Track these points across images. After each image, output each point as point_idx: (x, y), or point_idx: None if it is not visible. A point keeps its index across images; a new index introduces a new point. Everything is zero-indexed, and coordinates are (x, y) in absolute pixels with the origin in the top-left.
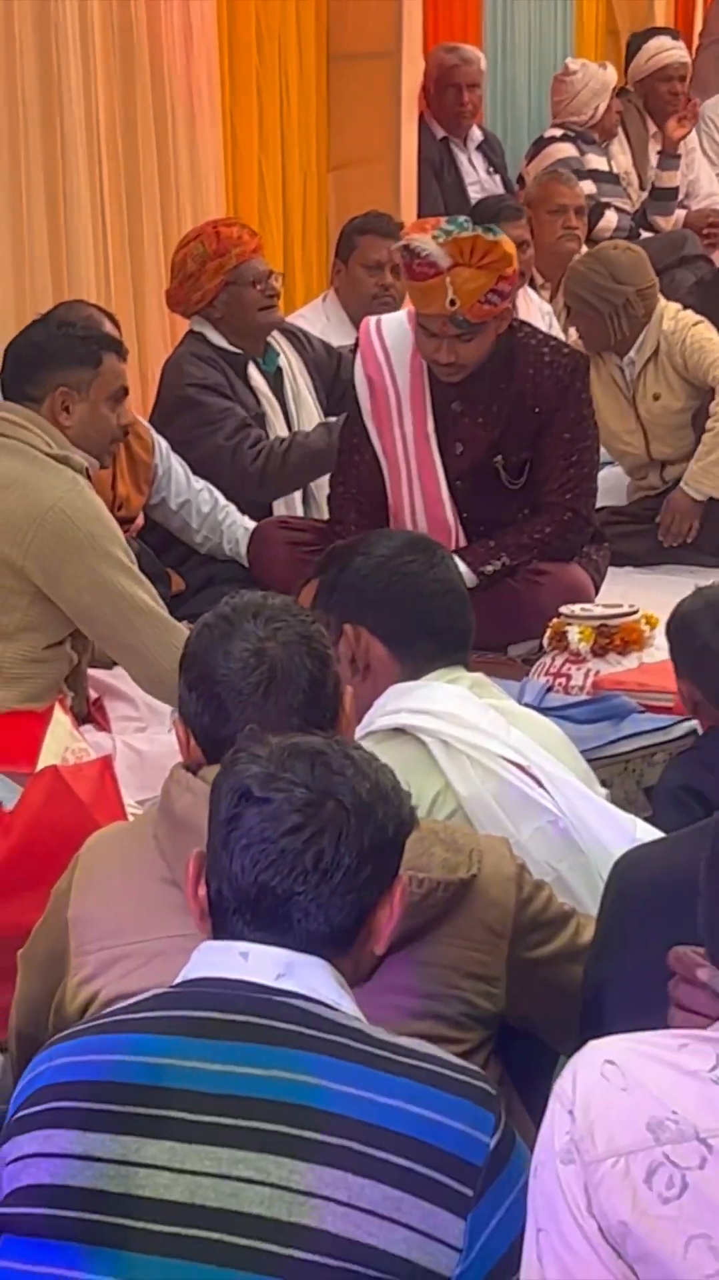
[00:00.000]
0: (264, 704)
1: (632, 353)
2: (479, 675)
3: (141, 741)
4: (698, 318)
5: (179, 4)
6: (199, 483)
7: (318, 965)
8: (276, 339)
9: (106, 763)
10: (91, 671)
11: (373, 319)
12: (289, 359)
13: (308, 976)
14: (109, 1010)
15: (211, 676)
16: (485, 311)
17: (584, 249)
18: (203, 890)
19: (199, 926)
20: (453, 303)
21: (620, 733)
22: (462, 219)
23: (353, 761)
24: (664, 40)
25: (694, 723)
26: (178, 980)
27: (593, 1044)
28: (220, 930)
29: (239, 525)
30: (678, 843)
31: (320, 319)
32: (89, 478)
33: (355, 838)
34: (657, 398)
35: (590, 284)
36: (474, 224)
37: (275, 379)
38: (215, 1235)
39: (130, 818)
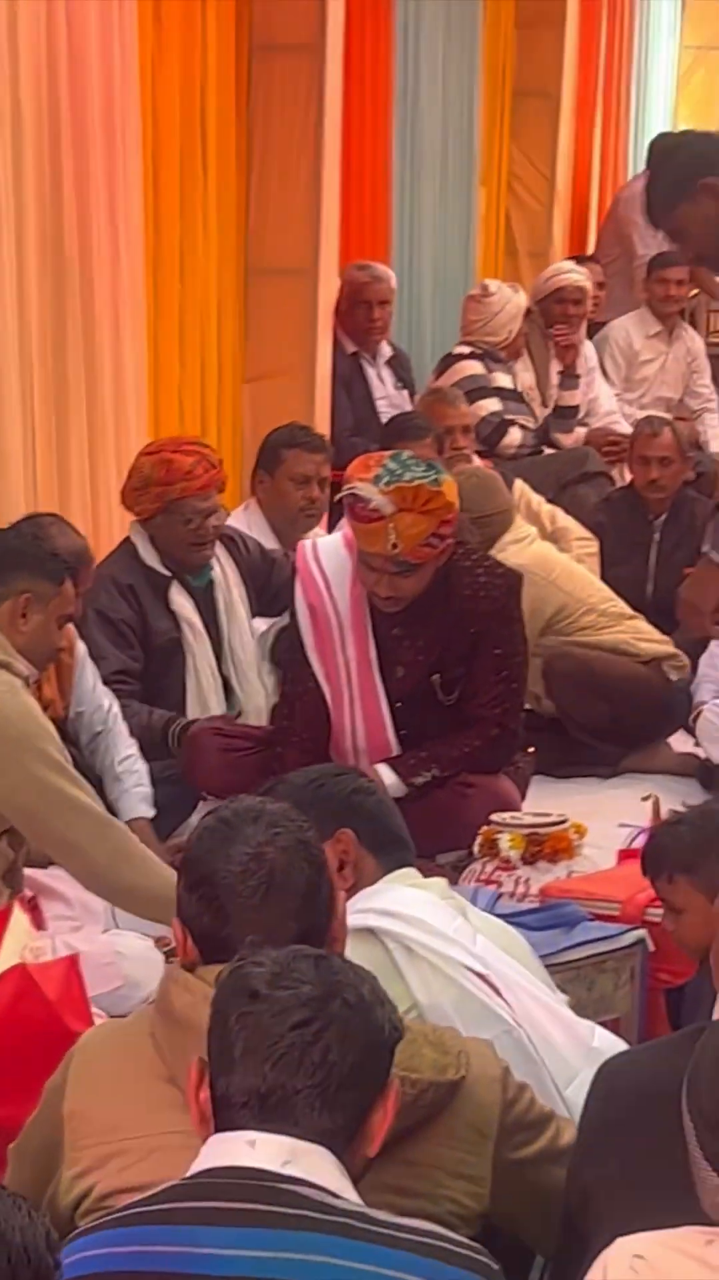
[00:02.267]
0: (262, 907)
1: None
2: (443, 881)
3: (79, 940)
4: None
5: (108, 222)
6: (105, 698)
7: (322, 1153)
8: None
9: (72, 962)
10: (26, 870)
11: (308, 544)
12: (224, 568)
13: (312, 1164)
14: (123, 1206)
15: (212, 879)
16: (426, 553)
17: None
18: (205, 1094)
19: (199, 1131)
20: (395, 545)
21: (572, 940)
22: (405, 455)
23: (350, 966)
24: (564, 264)
25: (643, 932)
26: (190, 1173)
27: (622, 1239)
28: (227, 1126)
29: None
30: (661, 1050)
31: (242, 528)
32: (28, 685)
33: (358, 1035)
34: None
35: None
36: (412, 462)
37: (207, 591)
38: None
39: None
